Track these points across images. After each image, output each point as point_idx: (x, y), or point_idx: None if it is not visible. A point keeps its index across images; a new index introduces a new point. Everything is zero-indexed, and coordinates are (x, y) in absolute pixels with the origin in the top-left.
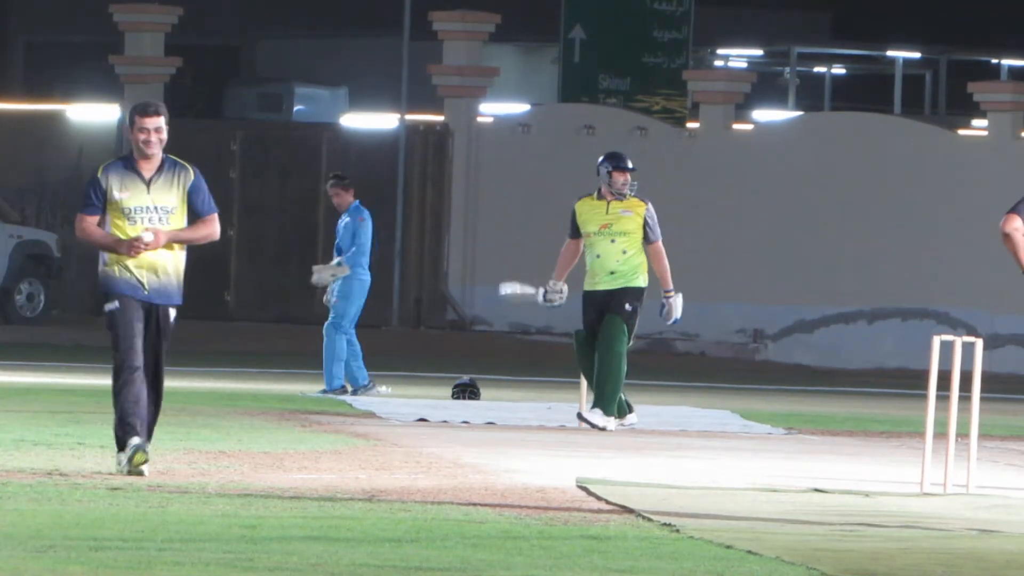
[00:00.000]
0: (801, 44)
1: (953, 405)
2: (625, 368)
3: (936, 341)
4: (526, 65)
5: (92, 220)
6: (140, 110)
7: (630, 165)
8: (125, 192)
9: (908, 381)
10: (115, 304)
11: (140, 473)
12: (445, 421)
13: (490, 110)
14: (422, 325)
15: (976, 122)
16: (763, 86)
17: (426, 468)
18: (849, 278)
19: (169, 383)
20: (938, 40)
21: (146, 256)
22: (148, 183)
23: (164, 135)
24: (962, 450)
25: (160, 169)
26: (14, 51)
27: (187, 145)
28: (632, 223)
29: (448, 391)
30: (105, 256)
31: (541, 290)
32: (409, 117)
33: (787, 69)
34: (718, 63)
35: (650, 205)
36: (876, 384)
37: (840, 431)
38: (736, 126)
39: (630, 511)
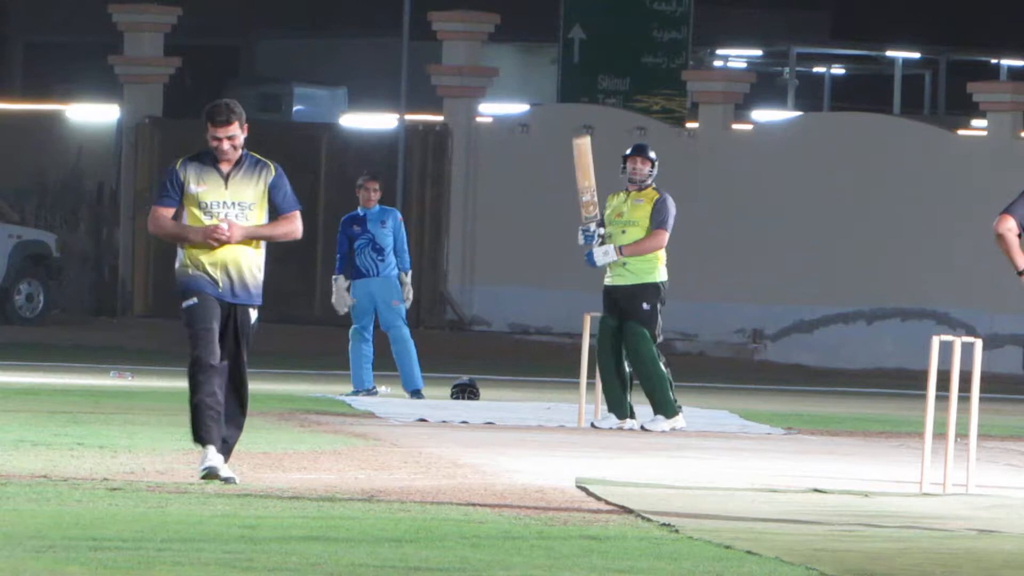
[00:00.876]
0: (800, 44)
1: (952, 405)
2: (662, 368)
3: (935, 341)
4: (525, 65)
5: (167, 212)
6: (211, 118)
7: (649, 154)
8: (202, 186)
9: (907, 381)
10: (193, 300)
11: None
12: (444, 421)
13: (489, 110)
14: (421, 325)
15: (975, 122)
16: (762, 86)
17: (425, 468)
18: (848, 278)
19: (169, 383)
20: (938, 40)
21: (221, 254)
22: (226, 178)
23: (239, 140)
24: (961, 450)
25: (239, 164)
26: (13, 51)
27: (186, 145)
28: (641, 211)
29: (447, 391)
30: (181, 255)
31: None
32: (408, 117)
33: (786, 69)
34: (717, 63)
35: (668, 198)
36: (875, 384)
37: (839, 431)
38: (735, 126)
39: (629, 511)
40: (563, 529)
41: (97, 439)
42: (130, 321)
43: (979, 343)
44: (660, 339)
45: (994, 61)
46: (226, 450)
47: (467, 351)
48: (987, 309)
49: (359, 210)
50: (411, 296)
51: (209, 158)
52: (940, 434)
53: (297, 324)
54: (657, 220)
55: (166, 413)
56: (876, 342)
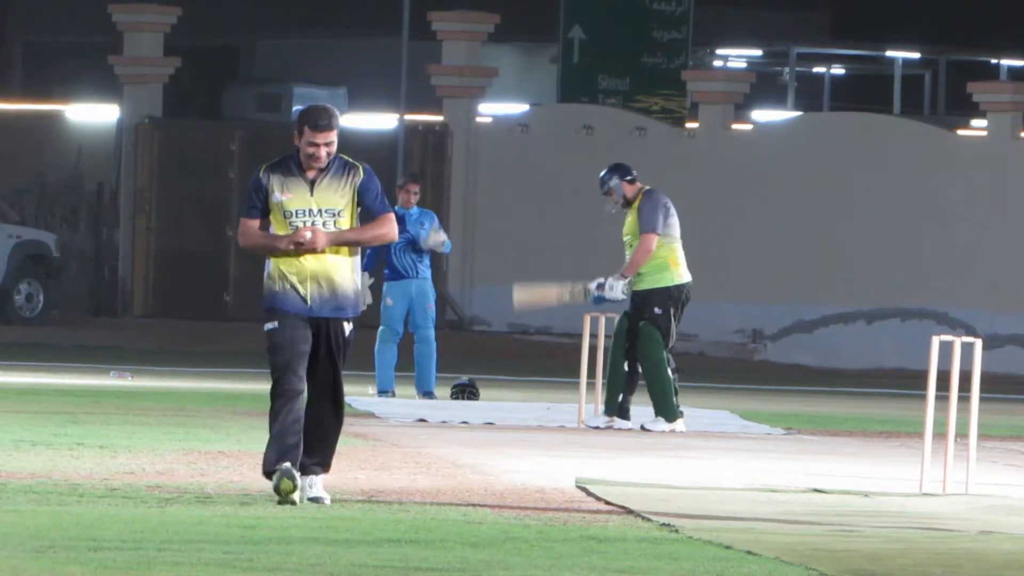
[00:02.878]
0: (800, 44)
1: (952, 405)
2: (668, 372)
3: (935, 341)
4: (525, 65)
5: (254, 224)
6: (312, 123)
7: (610, 184)
8: (287, 193)
9: (907, 381)
10: (274, 324)
11: (291, 502)
12: (444, 421)
13: (489, 110)
14: None
15: (975, 122)
16: (762, 86)
17: (425, 468)
18: (848, 278)
19: (169, 383)
20: (937, 40)
21: (308, 265)
22: (312, 184)
23: (334, 147)
24: (961, 450)
25: (326, 169)
26: (13, 51)
27: (186, 145)
28: (632, 223)
29: (447, 391)
30: (269, 266)
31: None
32: (408, 117)
33: (786, 69)
34: (717, 63)
35: (647, 200)
36: (875, 384)
37: (839, 431)
38: (735, 126)
39: (629, 511)
40: (563, 529)
41: (97, 439)
42: (130, 321)
43: (979, 343)
44: (672, 342)
45: (994, 61)
46: (323, 466)
47: (467, 351)
48: (987, 309)
49: (398, 209)
50: (441, 241)
51: (293, 164)
52: (940, 434)
53: None
54: (640, 226)
55: (166, 413)
56: (876, 342)
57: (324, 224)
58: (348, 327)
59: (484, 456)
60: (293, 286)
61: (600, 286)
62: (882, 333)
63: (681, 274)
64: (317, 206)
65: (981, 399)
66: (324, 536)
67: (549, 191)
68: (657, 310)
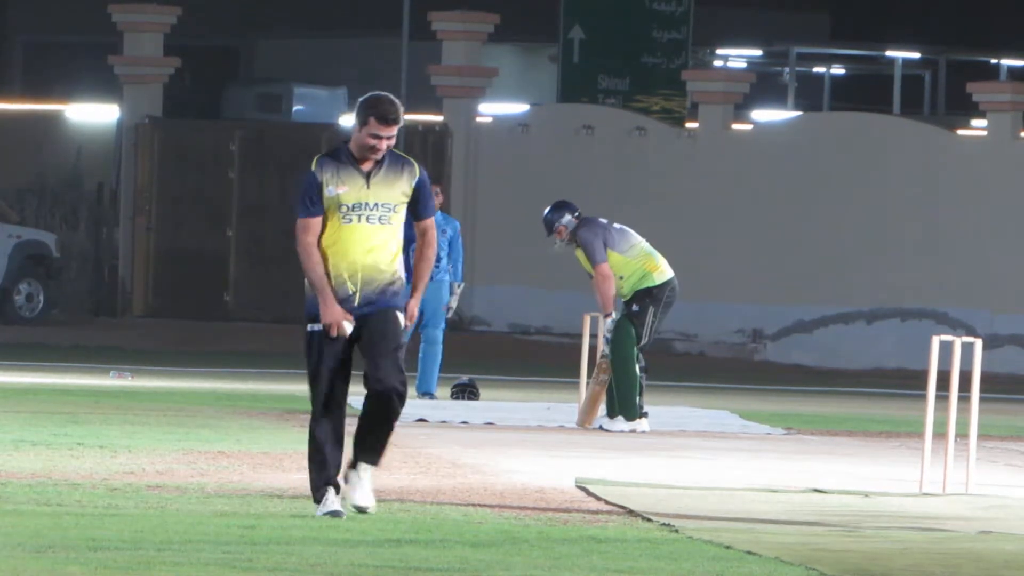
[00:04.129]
0: (800, 44)
1: (952, 405)
2: (635, 370)
3: (935, 341)
4: (525, 65)
5: (316, 224)
6: (380, 116)
7: (561, 222)
8: (343, 187)
9: (907, 381)
10: (318, 326)
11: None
12: (444, 421)
13: (489, 110)
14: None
15: (975, 122)
16: (762, 86)
17: (425, 468)
18: (848, 278)
19: (169, 383)
20: (937, 40)
21: (364, 263)
22: (368, 177)
23: (394, 142)
24: (961, 450)
25: (381, 163)
26: (13, 51)
27: (186, 145)
28: (583, 255)
29: (447, 391)
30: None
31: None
32: (408, 117)
33: (786, 69)
34: (717, 63)
35: (582, 231)
36: (875, 384)
37: (839, 431)
38: (735, 126)
39: (629, 511)
40: (563, 529)
41: (97, 439)
42: (130, 321)
43: (979, 343)
44: (648, 342)
45: (994, 61)
46: (375, 459)
47: (467, 351)
48: (987, 309)
49: None
50: (454, 306)
51: (347, 156)
52: (940, 434)
53: (297, 324)
54: (588, 260)
55: (166, 413)
56: (876, 342)
57: (380, 219)
58: (401, 317)
59: (484, 456)
60: (342, 282)
61: (606, 340)
62: (882, 333)
63: (663, 272)
64: (373, 200)
65: (981, 399)
66: (324, 536)
67: (549, 191)
68: (635, 307)
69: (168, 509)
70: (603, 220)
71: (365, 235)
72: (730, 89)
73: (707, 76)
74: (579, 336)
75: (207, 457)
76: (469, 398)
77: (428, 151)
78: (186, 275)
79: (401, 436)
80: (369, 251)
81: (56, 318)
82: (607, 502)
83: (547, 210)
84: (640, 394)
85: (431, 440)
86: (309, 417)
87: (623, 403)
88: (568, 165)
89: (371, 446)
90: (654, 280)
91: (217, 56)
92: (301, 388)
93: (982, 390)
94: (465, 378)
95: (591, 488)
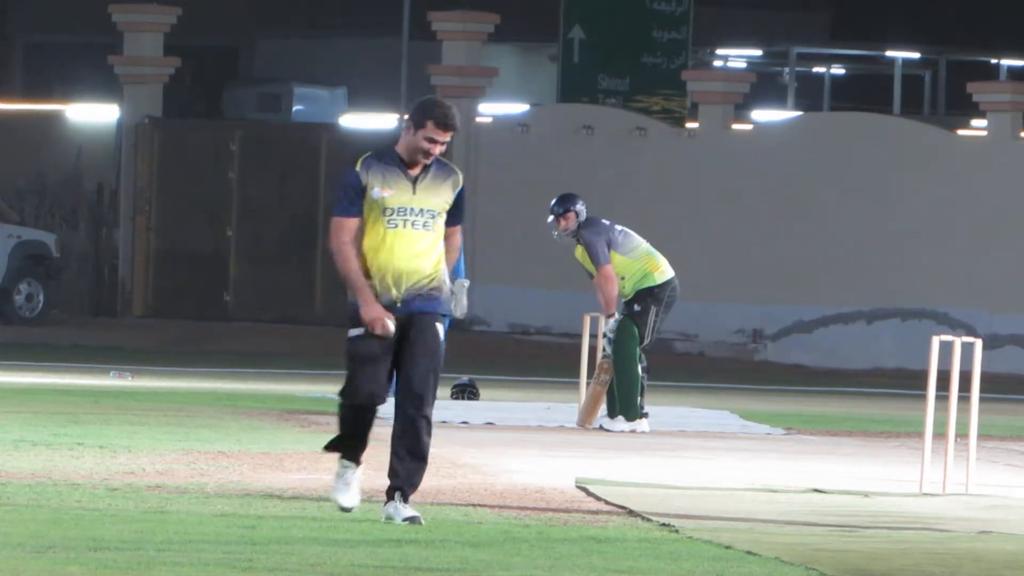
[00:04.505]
0: (800, 44)
1: (952, 405)
2: (638, 370)
3: (935, 341)
4: (525, 65)
5: (353, 225)
6: (440, 121)
7: (575, 207)
8: (388, 190)
9: (907, 381)
10: (360, 330)
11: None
12: (444, 421)
13: (489, 110)
14: None
15: (975, 122)
16: (762, 86)
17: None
18: (848, 278)
19: (169, 383)
20: (937, 40)
21: (402, 265)
22: (415, 182)
23: (445, 148)
24: (961, 450)
25: (427, 168)
26: (13, 51)
27: (186, 145)
28: (584, 258)
29: (447, 391)
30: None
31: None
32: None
33: (786, 69)
34: (717, 63)
35: (586, 230)
36: (875, 384)
37: (839, 431)
38: (735, 126)
39: (629, 511)
40: (563, 529)
41: (97, 439)
42: (130, 321)
43: (979, 343)
44: (650, 341)
45: (994, 61)
46: (411, 485)
47: (467, 351)
48: (987, 309)
49: None
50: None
51: (393, 159)
52: (940, 434)
53: (297, 324)
54: (592, 261)
55: (166, 413)
56: (876, 342)
57: (424, 224)
58: (441, 329)
59: (484, 456)
60: (386, 288)
61: (608, 341)
62: (882, 333)
63: (664, 272)
64: (418, 205)
65: (981, 399)
66: (324, 536)
67: (549, 191)
68: (636, 307)
69: (168, 509)
70: (606, 221)
71: (410, 241)
72: (730, 89)
73: (707, 76)
74: (579, 336)
75: (207, 457)
76: (469, 398)
77: None
78: (186, 275)
79: None
80: (414, 257)
81: (56, 318)
82: (607, 502)
83: (558, 197)
84: (641, 394)
85: (431, 440)
86: (338, 418)
87: (624, 403)
88: (568, 165)
89: (405, 480)
90: (655, 280)
91: (217, 56)
92: (301, 388)
93: (982, 390)
94: (465, 378)
95: (591, 488)
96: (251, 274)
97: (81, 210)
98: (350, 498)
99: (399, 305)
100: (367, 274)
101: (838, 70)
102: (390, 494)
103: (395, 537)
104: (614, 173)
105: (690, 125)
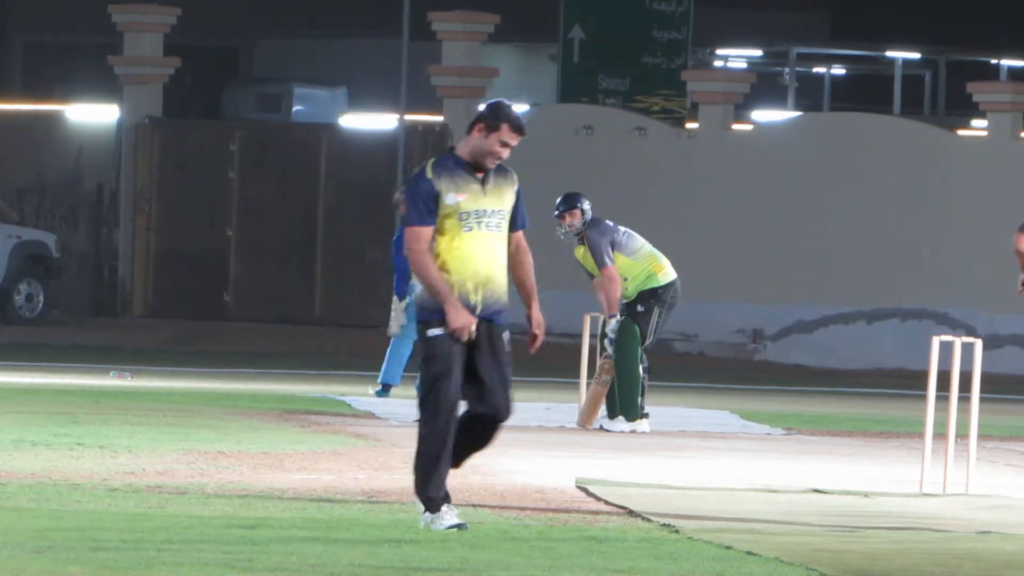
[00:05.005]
0: (800, 44)
1: (952, 405)
2: (639, 371)
3: (935, 342)
4: (525, 65)
5: (429, 233)
6: (513, 125)
7: (581, 205)
8: (462, 194)
9: (907, 381)
10: (440, 330)
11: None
12: None
13: None
14: None
15: (975, 122)
16: (762, 86)
17: None
18: (848, 278)
19: (169, 383)
20: (937, 40)
21: (482, 271)
22: (483, 184)
23: None
24: (961, 450)
25: (489, 170)
26: (13, 51)
27: (186, 145)
28: (587, 257)
29: None
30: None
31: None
32: (408, 117)
33: (786, 69)
34: (717, 63)
35: (591, 230)
36: (875, 384)
37: (839, 431)
38: (735, 126)
39: (629, 511)
40: (563, 529)
41: (97, 439)
42: (130, 321)
43: (979, 343)
44: (651, 342)
45: (994, 61)
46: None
47: None
48: (987, 309)
49: None
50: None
51: (459, 163)
52: (940, 434)
53: (297, 324)
54: (596, 262)
55: (166, 413)
56: (876, 342)
57: (496, 225)
58: (507, 335)
59: (484, 456)
60: (466, 293)
61: (610, 341)
62: (882, 333)
63: (667, 273)
64: (490, 207)
65: (981, 399)
66: (324, 536)
67: (549, 191)
68: (640, 308)
69: (168, 509)
70: (610, 222)
71: (487, 243)
72: (730, 89)
73: (707, 76)
74: (579, 336)
75: (207, 457)
76: None
77: (428, 151)
78: (186, 275)
79: (401, 436)
80: (491, 259)
81: (56, 318)
82: (607, 502)
83: (563, 196)
84: (642, 395)
85: None
86: (424, 425)
87: (624, 403)
88: (568, 165)
89: (455, 463)
90: (659, 281)
91: (217, 56)
92: (301, 388)
93: (982, 390)
94: None
95: (591, 488)
96: (251, 274)
97: (81, 210)
98: (454, 514)
99: (478, 311)
100: (452, 281)
101: (838, 70)
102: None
103: (395, 537)
104: (614, 173)
105: (690, 125)
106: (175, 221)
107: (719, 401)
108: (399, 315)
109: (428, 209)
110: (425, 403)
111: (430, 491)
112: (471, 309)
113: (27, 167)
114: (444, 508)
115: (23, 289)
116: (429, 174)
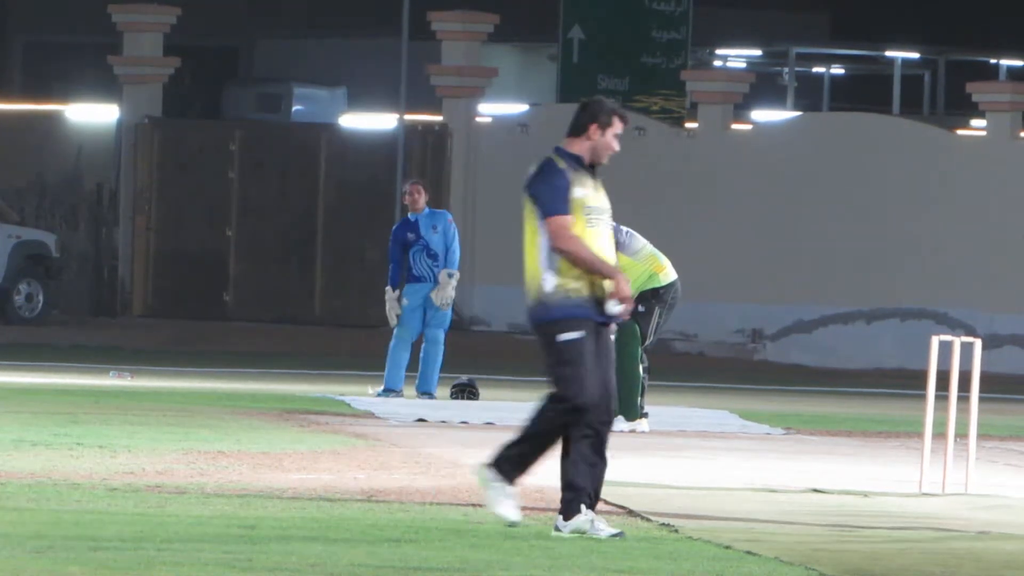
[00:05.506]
0: (800, 44)
1: (952, 405)
2: (640, 371)
3: (935, 341)
4: (525, 65)
5: (572, 221)
6: (622, 116)
7: None
8: (585, 190)
9: (906, 381)
10: (580, 333)
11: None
12: (444, 421)
13: (488, 110)
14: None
15: (974, 122)
16: (762, 86)
17: (425, 468)
18: (847, 278)
19: (169, 383)
20: (937, 40)
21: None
22: (595, 182)
23: None
24: (961, 450)
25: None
26: (13, 51)
27: (186, 145)
28: None
29: (447, 391)
30: (555, 276)
31: None
32: (408, 117)
33: (786, 69)
34: (717, 63)
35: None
36: (874, 384)
37: (838, 431)
38: (735, 126)
39: (629, 511)
40: None
41: (97, 439)
42: (130, 321)
43: (978, 343)
44: (651, 342)
45: (993, 61)
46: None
47: (467, 351)
48: (986, 309)
49: (409, 215)
50: (450, 297)
51: (578, 161)
52: (939, 434)
53: (296, 324)
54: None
55: (166, 413)
56: (875, 342)
57: (606, 222)
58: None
59: (484, 456)
60: (598, 287)
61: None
62: (881, 333)
63: (668, 274)
64: (604, 204)
65: (980, 399)
66: (324, 536)
67: None
68: (641, 308)
69: (168, 509)
70: (612, 223)
71: (606, 239)
72: (730, 89)
73: (707, 76)
74: None
75: (207, 457)
76: (469, 398)
77: (428, 151)
78: (186, 275)
79: (400, 436)
80: (610, 256)
81: (56, 318)
82: (607, 502)
83: None
84: (642, 394)
85: (431, 440)
86: (576, 429)
87: (624, 403)
88: None
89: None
90: (660, 281)
91: (217, 56)
92: (300, 388)
93: (981, 390)
94: (465, 378)
95: None
96: (251, 274)
97: (81, 210)
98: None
99: (601, 315)
100: (571, 276)
101: (838, 70)
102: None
103: (395, 537)
104: (614, 173)
105: (690, 125)
106: (175, 221)
107: (719, 401)
108: (394, 305)
109: (564, 199)
110: (565, 400)
111: (583, 488)
112: (602, 303)
113: (27, 167)
114: (601, 527)
115: (23, 289)
116: (561, 165)
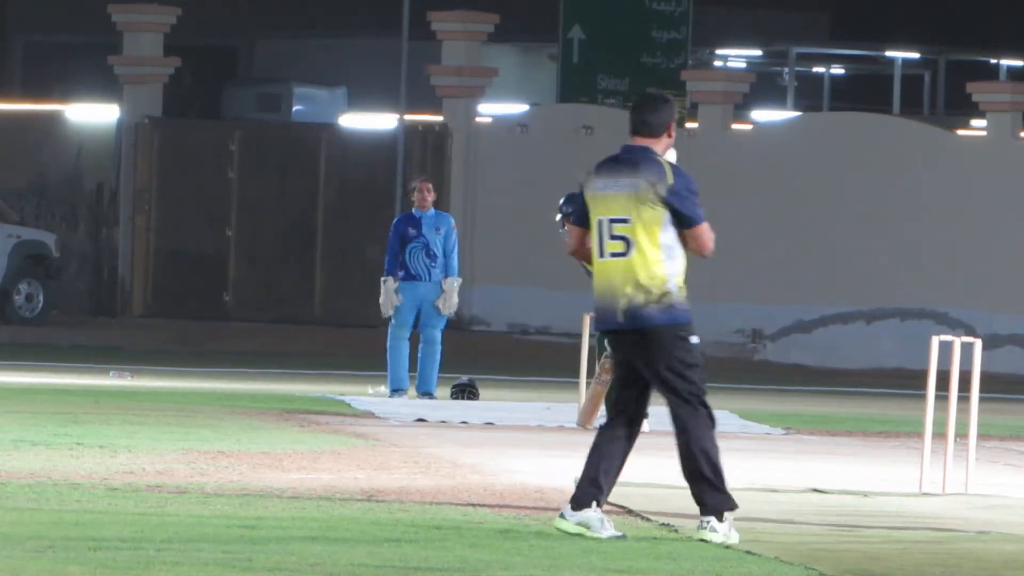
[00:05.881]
0: (800, 44)
1: (952, 405)
2: None
3: (935, 341)
4: (525, 65)
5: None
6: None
7: (561, 210)
8: None
9: (906, 381)
10: (698, 338)
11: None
12: (444, 421)
13: (488, 110)
14: None
15: (975, 122)
16: (762, 86)
17: (425, 468)
18: (847, 278)
19: (169, 383)
20: (937, 40)
21: None
22: None
23: None
24: (961, 450)
25: None
26: (13, 51)
27: (186, 145)
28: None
29: (447, 391)
30: (677, 282)
31: None
32: (408, 117)
33: (786, 69)
34: (717, 63)
35: None
36: (874, 384)
37: (838, 431)
38: (735, 126)
39: (629, 511)
40: None
41: (97, 439)
42: (129, 321)
43: (979, 343)
44: None
45: (993, 61)
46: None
47: (467, 351)
48: (986, 309)
49: (414, 211)
50: (454, 304)
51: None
52: (939, 434)
53: (296, 324)
54: None
55: (166, 413)
56: (875, 342)
57: None
58: None
59: (484, 456)
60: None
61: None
62: (881, 333)
63: None
64: None
65: (981, 399)
66: (324, 536)
67: (549, 191)
68: None
69: (168, 509)
70: None
71: None
72: (730, 89)
73: (707, 76)
74: (579, 336)
75: (207, 457)
76: (469, 398)
77: (428, 151)
78: (186, 275)
79: (400, 436)
80: None
81: (56, 318)
82: (607, 502)
83: (566, 196)
84: None
85: (430, 440)
86: (702, 430)
87: None
88: (568, 165)
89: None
90: None
91: (217, 56)
92: (300, 388)
93: (981, 390)
94: (465, 378)
95: None
96: (251, 274)
97: (81, 210)
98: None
99: None
100: (684, 281)
101: (838, 70)
102: (594, 500)
103: (395, 537)
104: None
105: (690, 125)
106: (175, 221)
107: (719, 401)
108: (390, 296)
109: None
110: (710, 414)
111: (729, 501)
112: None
113: (27, 167)
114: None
115: (23, 289)
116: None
